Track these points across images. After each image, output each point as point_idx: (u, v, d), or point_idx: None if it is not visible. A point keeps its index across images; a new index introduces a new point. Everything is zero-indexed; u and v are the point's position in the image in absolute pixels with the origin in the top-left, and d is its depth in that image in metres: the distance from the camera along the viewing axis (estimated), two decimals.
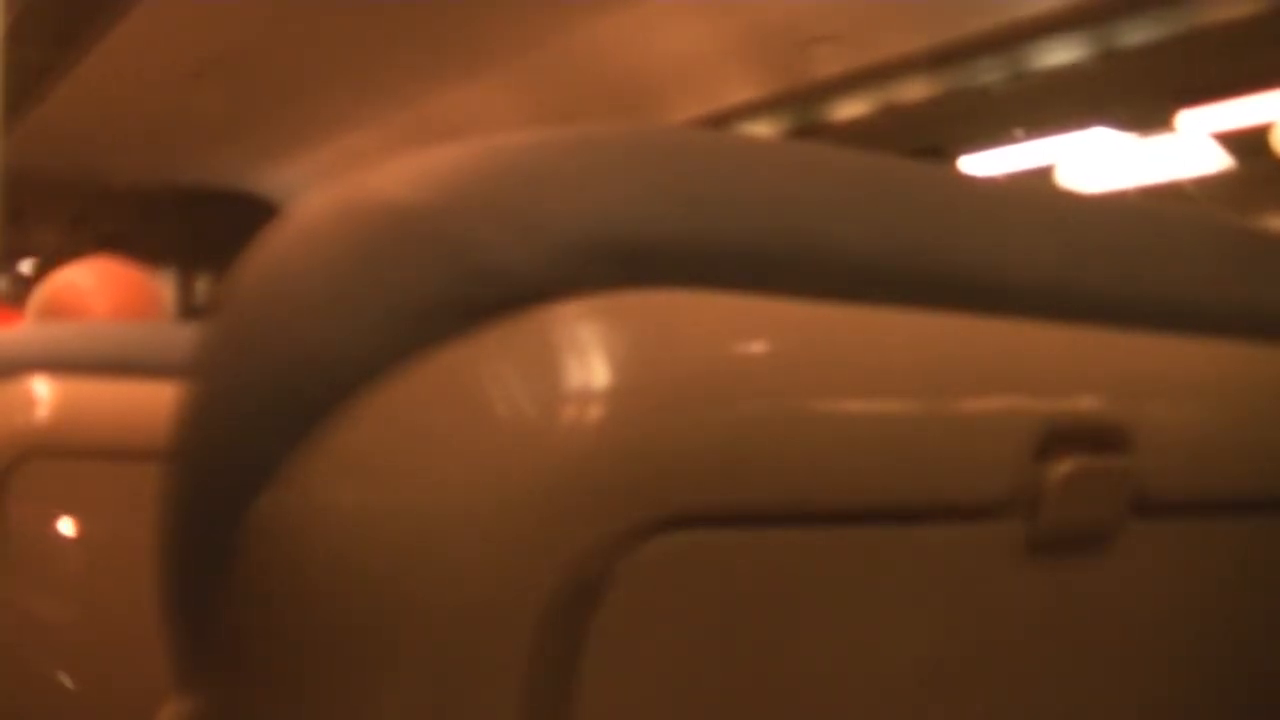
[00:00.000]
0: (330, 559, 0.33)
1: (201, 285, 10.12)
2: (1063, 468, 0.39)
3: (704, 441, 0.34)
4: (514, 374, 0.33)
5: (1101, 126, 5.88)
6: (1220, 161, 5.67)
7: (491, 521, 0.32)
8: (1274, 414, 0.45)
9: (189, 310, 9.45)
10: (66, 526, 0.93)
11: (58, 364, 0.92)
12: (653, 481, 0.33)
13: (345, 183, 0.38)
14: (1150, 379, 0.43)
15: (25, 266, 9.15)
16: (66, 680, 0.94)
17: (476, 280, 0.33)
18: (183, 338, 0.97)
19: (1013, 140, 6.19)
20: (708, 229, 0.36)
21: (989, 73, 6.28)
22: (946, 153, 6.22)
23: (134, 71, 7.33)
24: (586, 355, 0.33)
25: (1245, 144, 5.51)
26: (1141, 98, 5.74)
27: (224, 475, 0.35)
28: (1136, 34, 5.71)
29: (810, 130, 7.15)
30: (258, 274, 0.38)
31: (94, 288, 1.71)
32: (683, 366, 0.34)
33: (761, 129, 7.23)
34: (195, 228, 9.75)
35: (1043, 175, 5.94)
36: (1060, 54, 6.01)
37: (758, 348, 0.35)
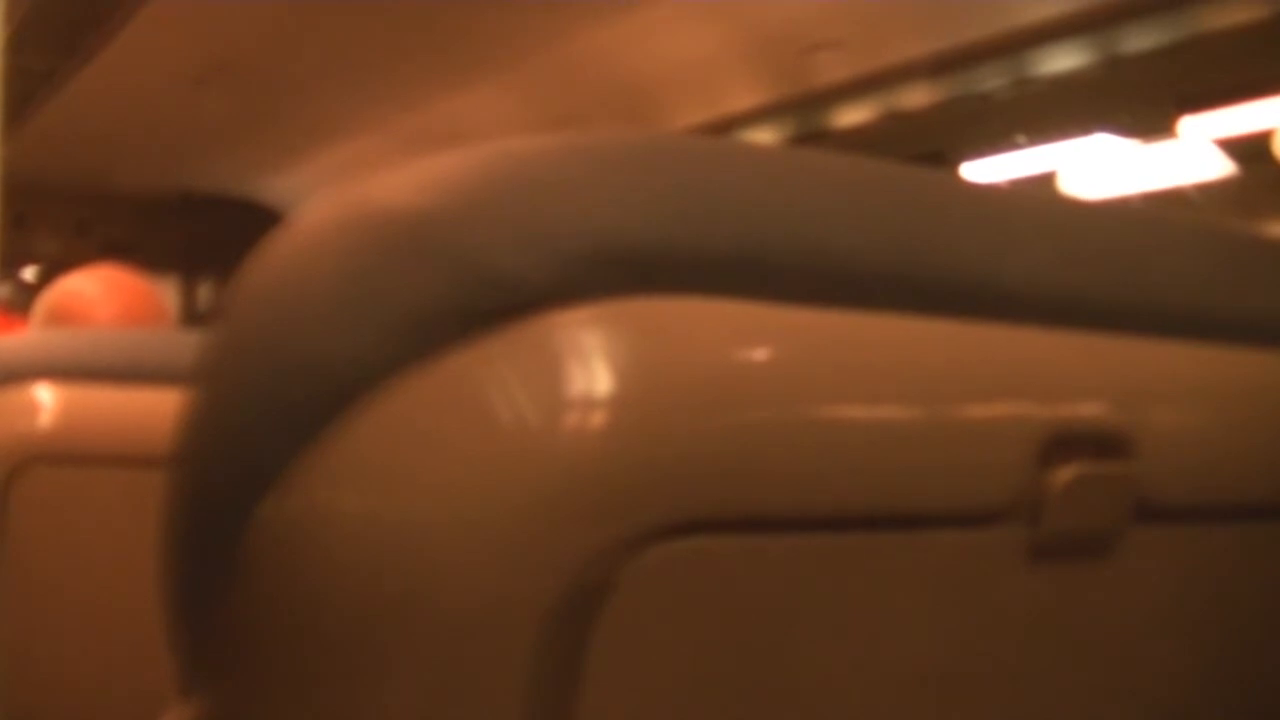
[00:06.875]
0: (333, 565, 0.33)
1: (205, 292, 10.12)
2: (1065, 474, 0.39)
3: (708, 448, 0.34)
4: (518, 381, 0.33)
5: (1104, 133, 5.88)
6: (1223, 167, 5.67)
7: (495, 528, 0.32)
8: (1276, 420, 0.45)
9: (192, 317, 9.46)
10: (70, 533, 0.93)
11: (61, 371, 0.92)
12: (656, 488, 0.33)
13: (348, 190, 0.38)
14: (1152, 385, 0.43)
15: (28, 273, 9.15)
16: (70, 685, 0.94)
17: (480, 287, 0.34)
18: (186, 345, 0.97)
19: (1015, 147, 6.18)
20: (711, 236, 0.36)
21: (991, 79, 6.28)
22: (949, 159, 6.22)
23: (137, 78, 7.33)
24: (590, 362, 0.33)
25: (1247, 150, 5.50)
26: (1143, 104, 5.73)
27: (227, 481, 0.35)
28: (1138, 40, 5.71)
29: (813, 137, 7.16)
30: (261, 280, 0.38)
31: (97, 295, 1.71)
32: (686, 373, 0.34)
33: (764, 135, 7.23)
34: (198, 234, 9.75)
35: (1045, 182, 5.94)
36: (1062, 60, 6.01)
37: (761, 354, 0.35)
